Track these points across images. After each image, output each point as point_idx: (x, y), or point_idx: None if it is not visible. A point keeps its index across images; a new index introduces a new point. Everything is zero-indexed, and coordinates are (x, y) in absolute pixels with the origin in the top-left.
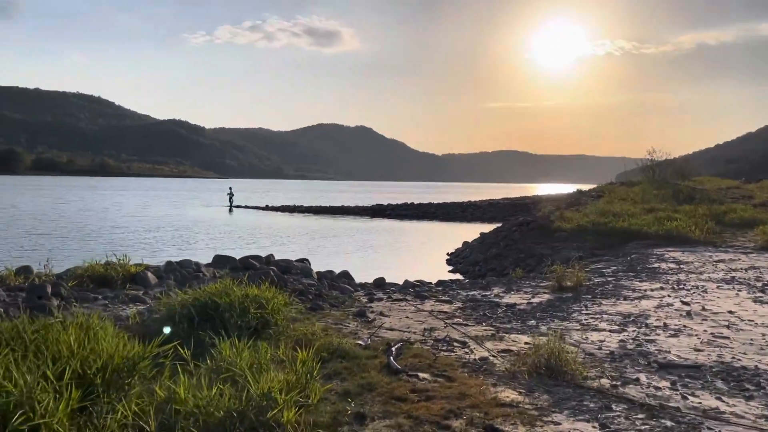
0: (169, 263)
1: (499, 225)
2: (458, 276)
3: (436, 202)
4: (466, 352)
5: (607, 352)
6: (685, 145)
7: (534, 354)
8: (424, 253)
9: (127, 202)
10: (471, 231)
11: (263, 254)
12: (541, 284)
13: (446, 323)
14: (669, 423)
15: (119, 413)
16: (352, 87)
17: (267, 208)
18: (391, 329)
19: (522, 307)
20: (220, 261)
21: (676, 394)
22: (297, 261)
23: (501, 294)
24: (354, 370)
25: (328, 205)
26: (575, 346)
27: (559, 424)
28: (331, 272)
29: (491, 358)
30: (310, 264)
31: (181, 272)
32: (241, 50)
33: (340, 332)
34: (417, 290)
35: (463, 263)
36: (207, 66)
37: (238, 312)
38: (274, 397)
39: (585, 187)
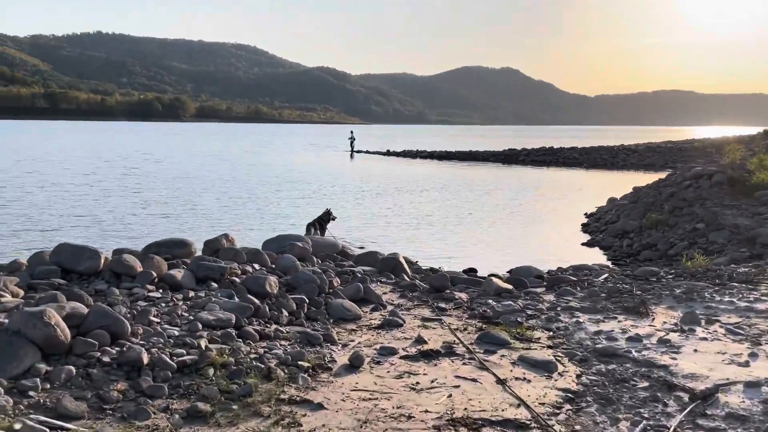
0: None
1: (661, 176)
2: (596, 253)
3: (579, 146)
4: None
5: None
6: None
7: None
8: (555, 215)
9: (237, 148)
10: (621, 183)
11: (337, 209)
12: (761, 299)
13: None
14: None
15: None
16: (498, 27)
17: (388, 153)
18: None
19: (740, 401)
20: (40, 270)
21: None
22: (298, 239)
23: (671, 334)
24: None
25: (453, 149)
26: None
27: None
28: (374, 254)
29: None
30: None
31: None
32: None
33: None
34: (497, 311)
35: (605, 232)
36: (354, 12)
37: None
38: None
39: None
